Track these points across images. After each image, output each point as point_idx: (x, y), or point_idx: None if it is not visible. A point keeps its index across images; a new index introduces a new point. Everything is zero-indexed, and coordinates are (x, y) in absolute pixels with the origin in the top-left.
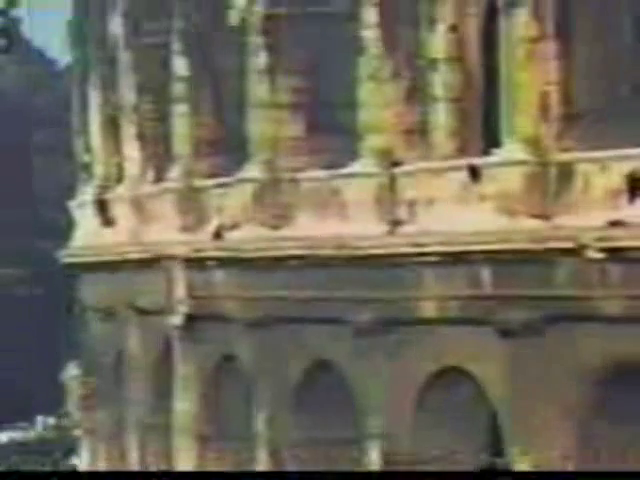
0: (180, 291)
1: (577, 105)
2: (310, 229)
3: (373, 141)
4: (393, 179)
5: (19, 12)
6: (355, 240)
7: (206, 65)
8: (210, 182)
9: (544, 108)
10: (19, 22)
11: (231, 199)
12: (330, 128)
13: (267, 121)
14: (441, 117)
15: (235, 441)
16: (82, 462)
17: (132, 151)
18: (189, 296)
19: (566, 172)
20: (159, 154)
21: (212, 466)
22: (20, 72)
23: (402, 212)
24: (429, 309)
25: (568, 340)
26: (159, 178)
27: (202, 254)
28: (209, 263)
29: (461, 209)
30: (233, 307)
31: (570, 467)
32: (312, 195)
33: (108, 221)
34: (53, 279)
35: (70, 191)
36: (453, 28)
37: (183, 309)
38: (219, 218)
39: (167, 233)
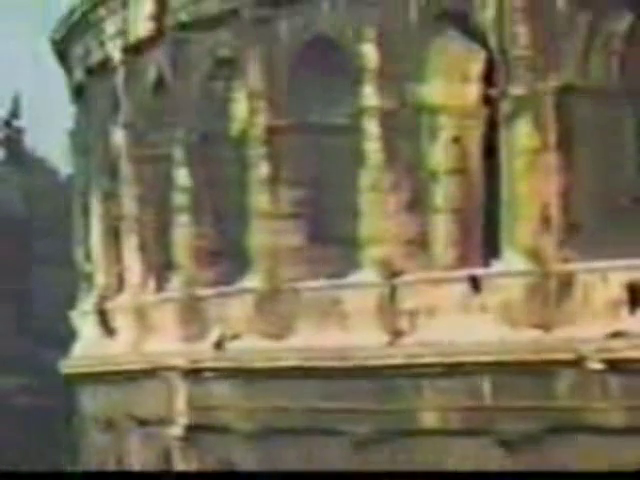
0: (180, 402)
1: (577, 215)
2: (311, 339)
3: (374, 251)
4: (394, 289)
5: (22, 122)
6: (356, 351)
7: (207, 176)
8: (211, 292)
9: (545, 219)
10: (22, 132)
11: (232, 309)
12: (330, 238)
13: (268, 231)
14: (442, 228)
15: None
16: None
17: (133, 261)
18: (189, 407)
19: (566, 282)
20: (160, 264)
21: None
22: (22, 182)
23: (403, 322)
24: (429, 420)
25: (569, 451)
26: (160, 288)
27: (203, 365)
28: (209, 374)
29: (462, 320)
30: (233, 417)
31: None
32: (313, 305)
33: (109, 331)
34: (54, 388)
35: (71, 301)
36: (454, 139)
37: (183, 420)
38: (220, 328)
39: (168, 343)
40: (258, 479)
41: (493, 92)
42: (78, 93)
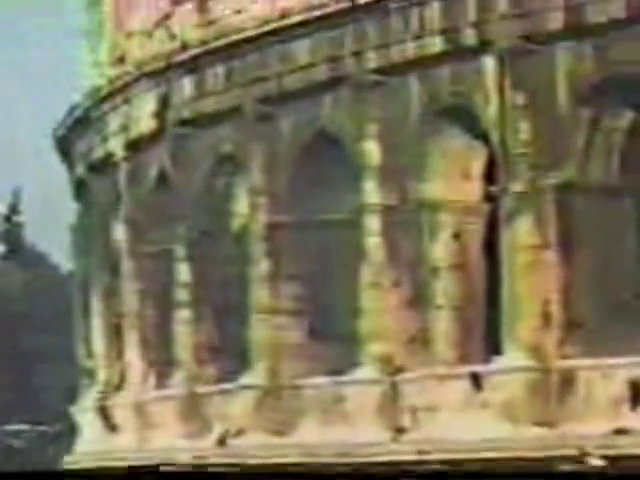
0: None
1: (578, 312)
2: (313, 436)
3: (375, 348)
4: (395, 386)
5: (22, 218)
6: (358, 447)
7: (208, 272)
8: (212, 388)
9: (545, 316)
10: (22, 227)
11: (234, 406)
12: (331, 335)
13: (268, 328)
14: (443, 325)
15: None
16: None
17: (134, 357)
18: None
19: (568, 379)
20: (161, 360)
21: None
22: (22, 277)
23: (405, 419)
24: None
25: None
26: (161, 384)
27: (205, 461)
28: (212, 470)
29: (464, 417)
30: None
31: None
32: (314, 402)
33: (111, 427)
34: None
35: (72, 397)
36: (455, 236)
37: None
38: (222, 425)
39: (170, 440)
40: (260, 479)
41: (494, 189)
42: (80, 189)
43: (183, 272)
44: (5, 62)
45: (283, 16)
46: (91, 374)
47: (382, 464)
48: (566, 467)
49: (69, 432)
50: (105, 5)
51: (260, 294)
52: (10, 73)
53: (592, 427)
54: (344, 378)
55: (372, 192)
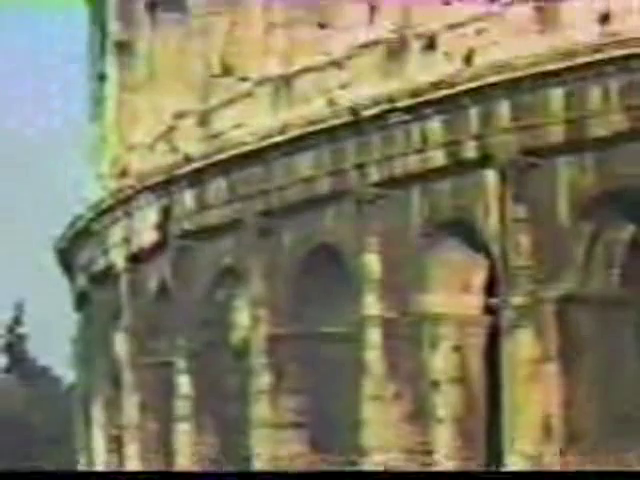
0: None
1: (580, 424)
2: None
3: (376, 460)
4: None
5: (24, 329)
6: None
7: (209, 384)
8: None
9: (546, 428)
10: (24, 339)
11: None
12: (332, 447)
13: (269, 440)
14: (444, 437)
15: None
16: None
17: (135, 467)
18: None
19: None
20: (161, 470)
21: None
22: (24, 389)
23: None
24: None
25: None
26: None
27: None
28: None
29: None
30: None
31: None
32: None
33: None
34: None
35: None
36: (455, 348)
37: None
38: None
39: None
40: (258, 479)
41: (494, 302)
42: (81, 301)
43: (184, 384)
44: (6, 177)
45: (285, 130)
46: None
47: None
48: None
49: None
50: (108, 118)
51: (261, 407)
52: (10, 186)
53: None
54: None
55: (372, 305)
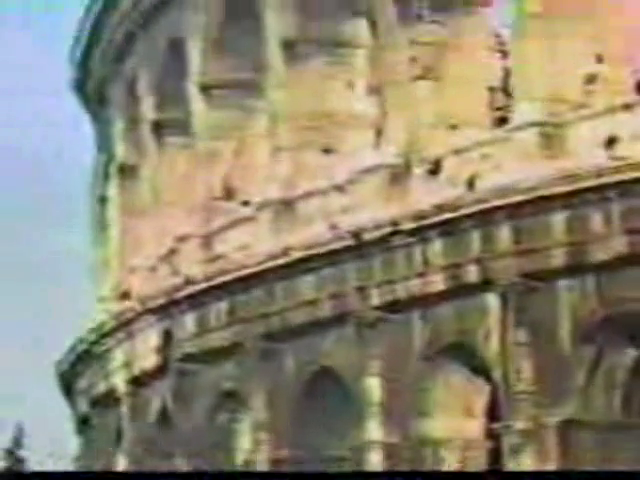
0: None
1: None
2: None
3: None
4: None
5: (24, 452)
6: None
7: None
8: None
9: None
10: (24, 462)
11: None
12: None
13: None
14: None
15: None
16: None
17: None
18: None
19: None
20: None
21: None
22: None
23: None
24: None
25: None
26: None
27: None
28: None
29: None
30: None
31: None
32: None
33: None
34: None
35: None
36: None
37: None
38: None
39: None
40: (258, 479)
41: (496, 426)
42: (82, 424)
43: None
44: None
45: (286, 253)
46: None
47: None
48: None
49: None
50: (110, 242)
51: None
52: (11, 306)
53: None
54: None
55: (374, 429)
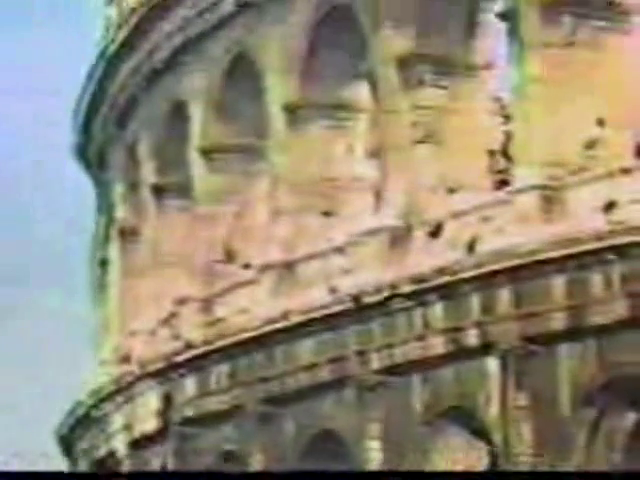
0: None
1: None
2: None
3: None
4: None
5: None
6: None
7: None
8: None
9: None
10: None
11: None
12: None
13: None
14: None
15: None
16: None
17: None
18: None
19: None
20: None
21: None
22: None
23: None
24: None
25: None
26: None
27: None
28: None
29: None
30: None
31: None
32: None
33: None
34: None
35: None
36: None
37: None
38: None
39: None
40: (260, 479)
41: None
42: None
43: None
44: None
45: (286, 316)
46: None
47: None
48: None
49: None
50: (110, 305)
51: None
52: (13, 365)
53: None
54: None
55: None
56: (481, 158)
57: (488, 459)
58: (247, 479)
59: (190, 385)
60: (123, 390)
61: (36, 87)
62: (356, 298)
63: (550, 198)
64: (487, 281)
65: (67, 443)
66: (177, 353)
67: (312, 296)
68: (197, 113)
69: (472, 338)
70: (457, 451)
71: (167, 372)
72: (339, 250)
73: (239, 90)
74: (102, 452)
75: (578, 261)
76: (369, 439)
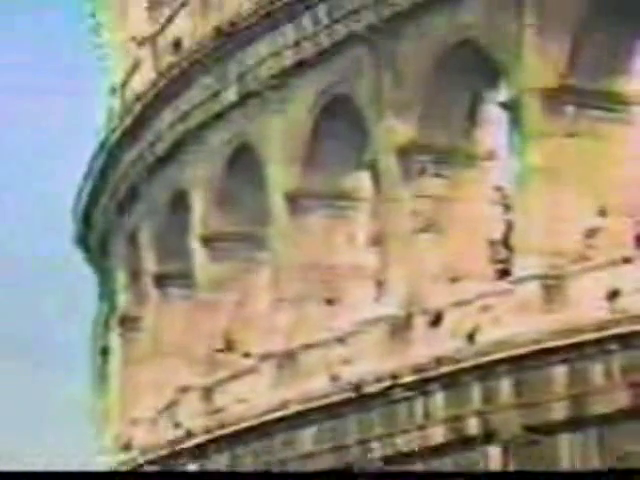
0: None
1: None
2: None
3: None
4: None
5: None
6: None
7: None
8: None
9: None
10: None
11: None
12: None
13: None
14: None
15: None
16: None
17: None
18: None
19: None
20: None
21: None
22: None
23: None
24: None
25: None
26: None
27: None
28: None
29: None
30: None
31: None
32: None
33: None
34: None
35: None
36: None
37: None
38: None
39: None
40: (260, 479)
41: None
42: None
43: None
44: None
45: (286, 405)
46: None
47: None
48: None
49: None
50: (111, 393)
51: None
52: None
53: None
54: None
55: None
56: (482, 247)
57: None
58: (247, 479)
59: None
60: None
61: (36, 175)
62: (357, 387)
63: (551, 287)
64: (488, 370)
65: None
66: (178, 441)
67: (313, 385)
68: (198, 202)
69: (473, 427)
70: None
71: (168, 460)
72: (340, 339)
73: (240, 179)
74: None
75: (579, 350)
76: None
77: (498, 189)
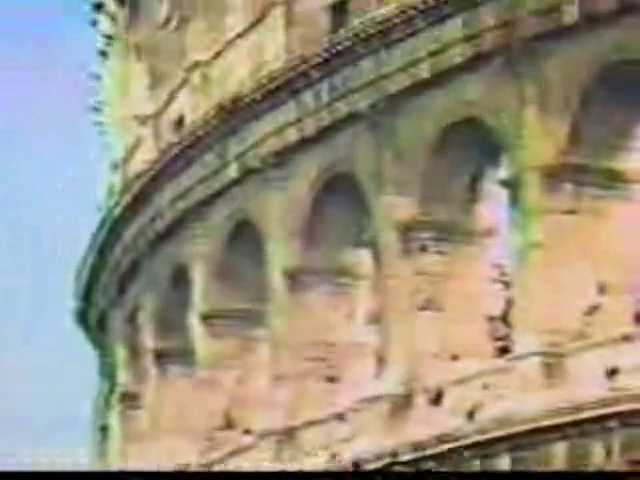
0: None
1: None
2: None
3: None
4: None
5: None
6: None
7: None
8: None
9: None
10: None
11: None
12: None
13: None
14: None
15: None
16: None
17: None
18: None
19: None
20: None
21: None
22: None
23: None
24: None
25: None
26: None
27: None
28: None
29: None
30: None
31: None
32: None
33: None
34: None
35: None
36: None
37: None
38: None
39: None
40: (259, 479)
41: None
42: None
43: None
44: None
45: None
46: None
47: None
48: None
49: None
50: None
51: None
52: None
53: None
54: None
55: None
56: (482, 324)
57: None
58: (247, 479)
59: None
60: None
61: (37, 252)
62: (356, 465)
63: (551, 365)
64: (487, 448)
65: None
66: None
67: (312, 462)
68: (198, 278)
69: None
70: None
71: None
72: (340, 417)
73: (241, 255)
74: None
75: (579, 428)
76: None
77: (497, 266)
